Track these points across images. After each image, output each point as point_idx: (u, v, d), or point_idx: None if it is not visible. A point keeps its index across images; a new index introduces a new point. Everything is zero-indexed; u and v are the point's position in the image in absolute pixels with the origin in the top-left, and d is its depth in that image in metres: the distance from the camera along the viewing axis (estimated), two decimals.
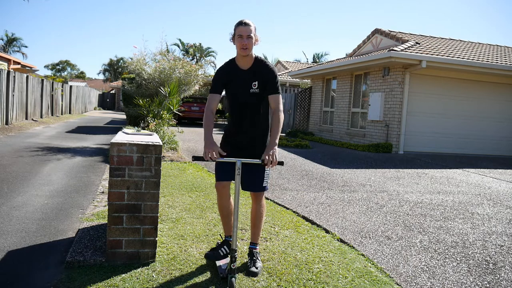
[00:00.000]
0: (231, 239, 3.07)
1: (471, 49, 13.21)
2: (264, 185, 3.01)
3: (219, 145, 2.99)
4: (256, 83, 2.89)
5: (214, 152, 2.63)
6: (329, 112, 15.39)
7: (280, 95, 2.93)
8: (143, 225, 2.95)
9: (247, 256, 3.08)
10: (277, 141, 2.75)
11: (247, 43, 2.79)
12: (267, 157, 2.63)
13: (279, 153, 9.53)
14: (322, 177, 6.85)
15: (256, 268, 2.90)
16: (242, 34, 2.78)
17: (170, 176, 6.25)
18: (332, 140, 13.94)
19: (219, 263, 2.96)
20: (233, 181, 2.99)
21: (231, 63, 2.96)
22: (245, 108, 2.94)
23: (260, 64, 2.92)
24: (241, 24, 2.80)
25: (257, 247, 3.11)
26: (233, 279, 2.55)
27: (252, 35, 2.80)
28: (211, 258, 2.98)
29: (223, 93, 3.04)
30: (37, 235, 3.57)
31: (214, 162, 2.78)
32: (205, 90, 27.97)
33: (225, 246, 3.01)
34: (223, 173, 2.91)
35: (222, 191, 2.95)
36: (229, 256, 2.75)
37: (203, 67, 13.18)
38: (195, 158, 2.62)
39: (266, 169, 2.97)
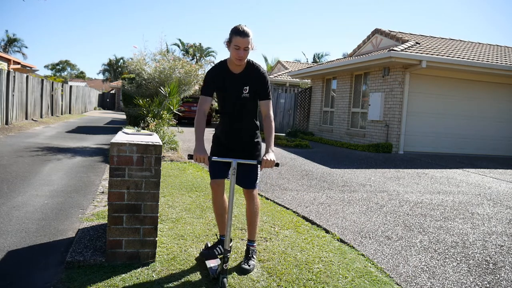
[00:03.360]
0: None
1: (471, 49, 13.21)
2: (257, 182, 3.05)
3: (211, 145, 3.08)
4: (248, 88, 2.89)
5: (204, 159, 2.68)
6: (329, 112, 15.39)
7: (271, 100, 2.95)
8: (143, 225, 2.95)
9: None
10: (273, 146, 2.82)
11: (243, 55, 2.77)
12: (264, 161, 2.70)
13: (279, 153, 9.54)
14: (322, 177, 6.85)
15: (249, 265, 2.93)
16: (239, 45, 2.72)
17: (170, 176, 6.25)
18: (332, 140, 13.94)
19: (209, 263, 2.94)
20: (227, 179, 3.03)
21: (222, 65, 2.93)
22: (235, 111, 2.95)
23: (252, 69, 2.91)
24: (239, 34, 2.71)
25: (255, 244, 3.14)
26: (225, 279, 2.55)
27: (249, 46, 2.75)
28: (205, 257, 3.00)
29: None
30: (37, 235, 3.57)
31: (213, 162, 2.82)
32: None
33: (220, 246, 3.04)
34: (217, 172, 2.96)
35: (217, 189, 2.99)
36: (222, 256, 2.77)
37: (203, 67, 13.16)
38: (190, 157, 2.68)
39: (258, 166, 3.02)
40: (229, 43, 2.78)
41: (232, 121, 2.98)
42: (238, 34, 2.71)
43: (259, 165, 2.94)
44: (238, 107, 2.94)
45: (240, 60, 2.79)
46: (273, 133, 2.90)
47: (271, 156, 2.72)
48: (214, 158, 2.73)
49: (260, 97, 2.93)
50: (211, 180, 3.00)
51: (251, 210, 3.09)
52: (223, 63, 2.94)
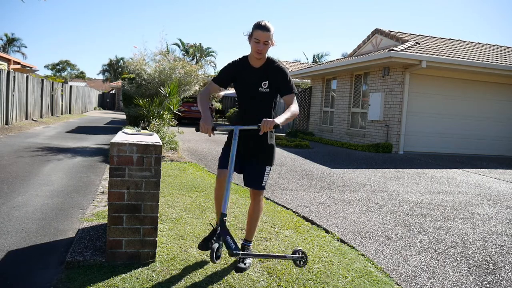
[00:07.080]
0: None
1: (471, 49, 13.22)
2: (263, 184, 3.04)
3: (226, 139, 3.08)
4: (267, 82, 2.92)
5: (208, 129, 2.73)
6: (329, 112, 15.39)
7: (295, 93, 2.95)
8: (143, 225, 2.95)
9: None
10: (282, 119, 2.70)
11: (263, 49, 2.80)
12: (264, 121, 2.60)
13: (279, 153, 9.54)
14: (322, 177, 6.85)
15: (245, 264, 2.91)
16: (259, 39, 2.77)
17: (170, 176, 6.25)
18: (332, 140, 13.94)
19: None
20: (234, 172, 3.00)
21: (244, 60, 2.99)
22: (252, 104, 2.96)
23: (272, 65, 2.94)
24: (259, 28, 2.77)
25: (250, 244, 3.13)
26: (216, 244, 2.44)
27: (269, 41, 2.79)
28: (204, 249, 2.98)
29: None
30: (37, 235, 3.57)
31: (217, 160, 2.82)
32: None
33: (215, 237, 2.96)
34: (226, 162, 2.90)
35: (223, 179, 2.91)
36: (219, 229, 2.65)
37: (203, 67, 13.17)
38: (197, 129, 2.78)
39: (266, 168, 3.02)
40: (250, 37, 2.83)
41: (248, 114, 2.97)
42: (258, 28, 2.77)
43: (259, 128, 2.77)
44: (255, 101, 2.94)
45: (259, 54, 2.82)
46: (290, 113, 2.78)
47: (270, 120, 2.61)
48: (218, 127, 2.81)
49: (283, 92, 2.92)
50: (218, 169, 2.99)
51: (253, 211, 3.08)
52: (244, 58, 2.99)
